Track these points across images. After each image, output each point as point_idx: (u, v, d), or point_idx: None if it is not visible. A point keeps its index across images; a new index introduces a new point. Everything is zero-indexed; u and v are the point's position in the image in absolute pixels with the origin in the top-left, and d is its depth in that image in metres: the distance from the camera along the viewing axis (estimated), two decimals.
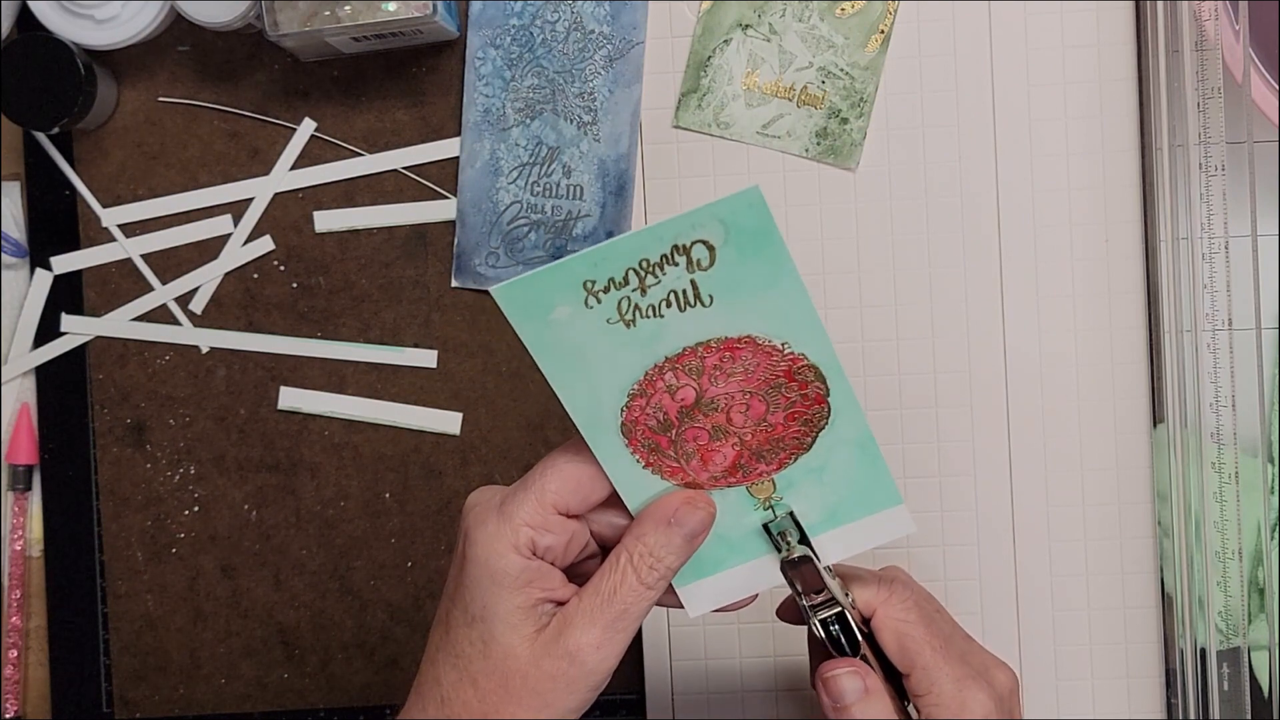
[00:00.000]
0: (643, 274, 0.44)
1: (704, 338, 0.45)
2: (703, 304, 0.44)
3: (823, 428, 0.47)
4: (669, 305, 0.44)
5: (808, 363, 0.45)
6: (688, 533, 0.46)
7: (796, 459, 0.47)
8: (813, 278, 0.62)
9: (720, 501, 0.47)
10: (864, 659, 0.48)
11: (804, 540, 0.48)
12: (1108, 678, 0.61)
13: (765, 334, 0.45)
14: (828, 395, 0.46)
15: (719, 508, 0.47)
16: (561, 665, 0.45)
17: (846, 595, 0.49)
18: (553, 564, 0.46)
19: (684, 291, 0.44)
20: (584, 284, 0.44)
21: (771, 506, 0.48)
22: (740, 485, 0.47)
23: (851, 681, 0.47)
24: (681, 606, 0.49)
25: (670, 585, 0.47)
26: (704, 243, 0.43)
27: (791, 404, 0.46)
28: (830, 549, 0.48)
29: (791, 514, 0.48)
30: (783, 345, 0.45)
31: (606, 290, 0.44)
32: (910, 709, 0.48)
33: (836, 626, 0.48)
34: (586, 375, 0.45)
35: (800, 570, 0.48)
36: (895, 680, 0.49)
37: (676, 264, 0.43)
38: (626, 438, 0.46)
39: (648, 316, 0.44)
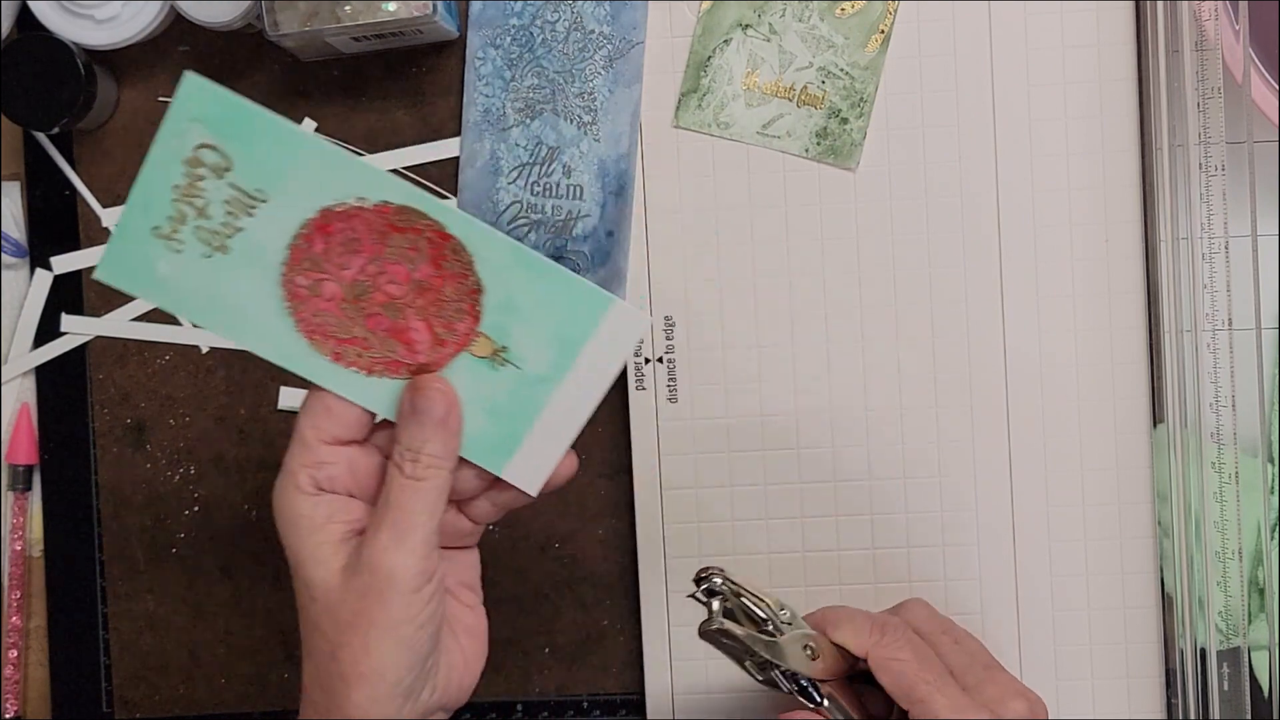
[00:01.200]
0: (189, 200, 0.44)
1: (291, 230, 0.45)
2: (261, 200, 0.44)
3: (471, 261, 0.46)
4: (237, 216, 0.45)
5: (396, 206, 0.45)
6: (431, 416, 0.46)
7: (480, 301, 0.47)
8: (813, 278, 0.62)
9: (463, 377, 0.47)
10: (833, 703, 0.49)
11: (728, 613, 0.49)
12: (1108, 678, 0.61)
13: (336, 199, 0.45)
14: (446, 229, 0.46)
15: (465, 381, 0.47)
16: (365, 579, 0.46)
17: (788, 634, 0.49)
18: (351, 495, 0.48)
19: (235, 199, 0.44)
20: (153, 232, 0.44)
21: (508, 361, 0.47)
22: (461, 352, 0.47)
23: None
24: (527, 493, 0.49)
25: (486, 477, 0.48)
26: (203, 147, 0.43)
27: (421, 253, 0.46)
28: (589, 375, 0.48)
29: (720, 575, 0.49)
30: (359, 202, 0.45)
31: (175, 231, 0.45)
32: None
33: (787, 682, 0.49)
34: (242, 313, 0.46)
35: (721, 639, 0.49)
36: None
37: (204, 177, 0.44)
38: (325, 354, 0.46)
39: (231, 235, 0.45)
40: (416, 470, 0.46)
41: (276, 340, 0.47)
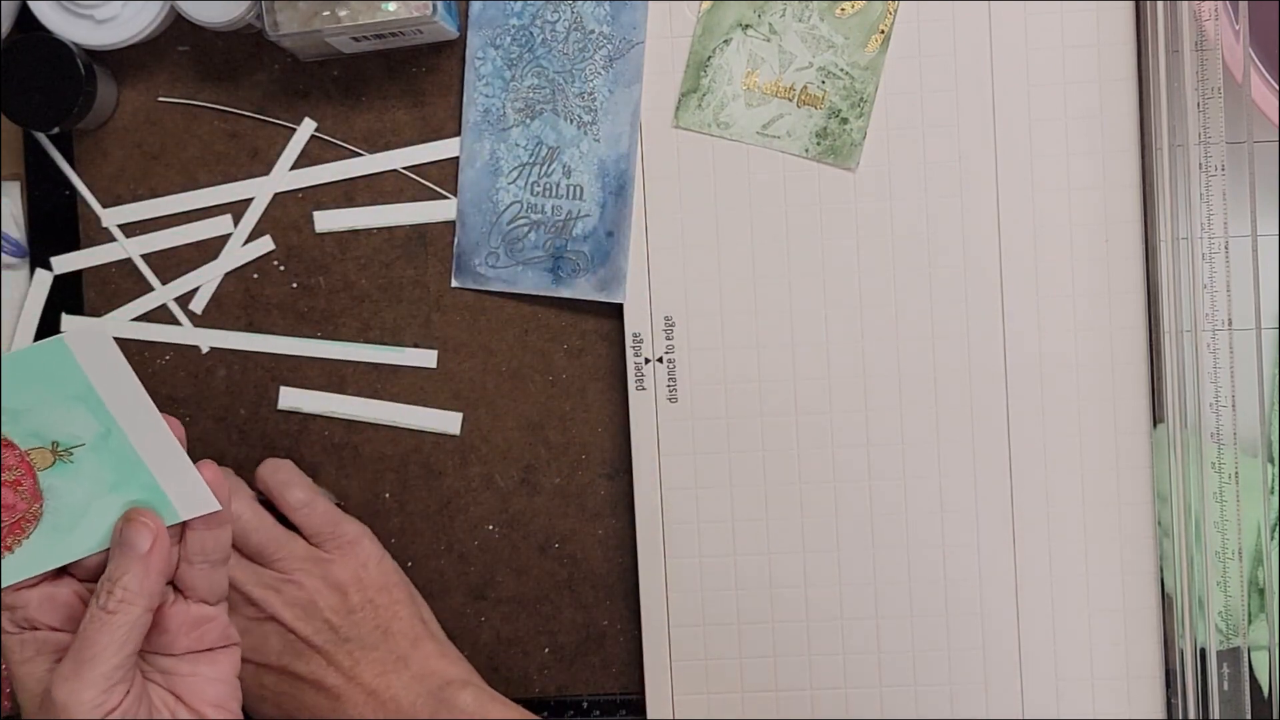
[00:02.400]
0: None
1: None
2: None
3: None
4: None
5: None
6: (134, 549, 0.48)
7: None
8: (813, 278, 0.62)
9: (60, 488, 0.49)
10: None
11: None
12: (1108, 678, 0.61)
13: None
14: None
15: (67, 489, 0.49)
16: (47, 708, 0.47)
17: None
18: (56, 629, 0.49)
19: None
20: None
21: (70, 449, 0.49)
22: (38, 474, 0.49)
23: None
24: (212, 510, 0.50)
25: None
26: None
27: None
28: (126, 399, 0.48)
29: None
30: None
31: None
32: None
33: None
34: None
35: None
36: None
37: None
38: None
39: None
40: (108, 603, 0.47)
41: None
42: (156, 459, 0.49)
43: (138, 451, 0.48)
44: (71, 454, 0.49)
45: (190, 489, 0.49)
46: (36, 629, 0.49)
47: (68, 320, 0.65)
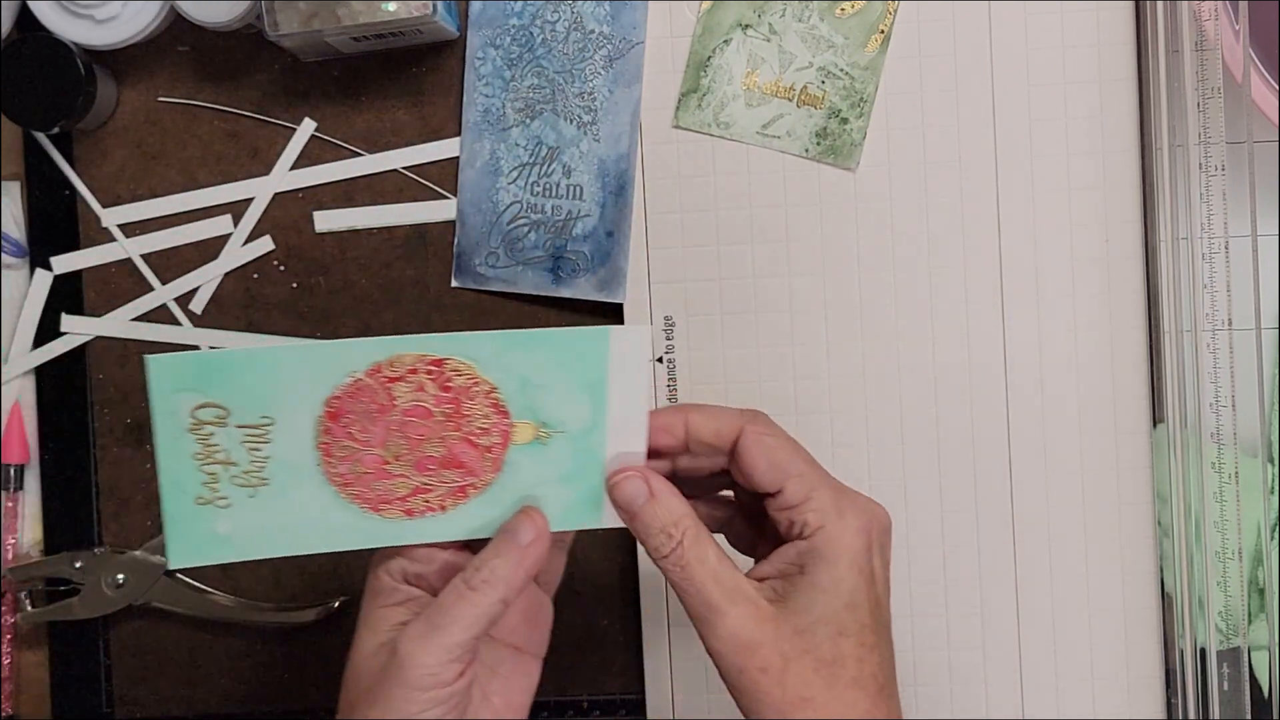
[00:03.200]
0: (210, 459, 0.47)
1: (310, 433, 0.48)
2: (269, 424, 0.47)
3: (472, 368, 0.48)
4: (258, 448, 0.48)
5: (384, 361, 0.47)
6: (515, 538, 0.48)
7: (499, 397, 0.49)
8: (813, 278, 0.62)
9: (523, 467, 0.49)
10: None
11: None
12: (1108, 678, 0.61)
13: (332, 386, 0.47)
14: (434, 355, 0.47)
15: (528, 469, 0.49)
16: (384, 658, 0.47)
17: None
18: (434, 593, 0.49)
19: (247, 436, 0.47)
20: (197, 502, 0.48)
21: (551, 432, 0.49)
22: (509, 447, 0.49)
23: (634, 485, 0.48)
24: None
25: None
26: (197, 408, 0.46)
27: (426, 389, 0.48)
28: (626, 402, 0.49)
29: None
30: (352, 376, 0.47)
31: (214, 491, 0.48)
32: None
33: None
34: (311, 524, 0.49)
35: None
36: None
37: (212, 434, 0.47)
38: (399, 515, 0.49)
39: (261, 467, 0.48)
40: (474, 580, 0.47)
41: (352, 529, 0.49)
42: (618, 462, 0.50)
43: (606, 455, 0.49)
44: (549, 437, 0.49)
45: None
46: (417, 586, 0.49)
47: (68, 321, 0.65)
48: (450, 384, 0.48)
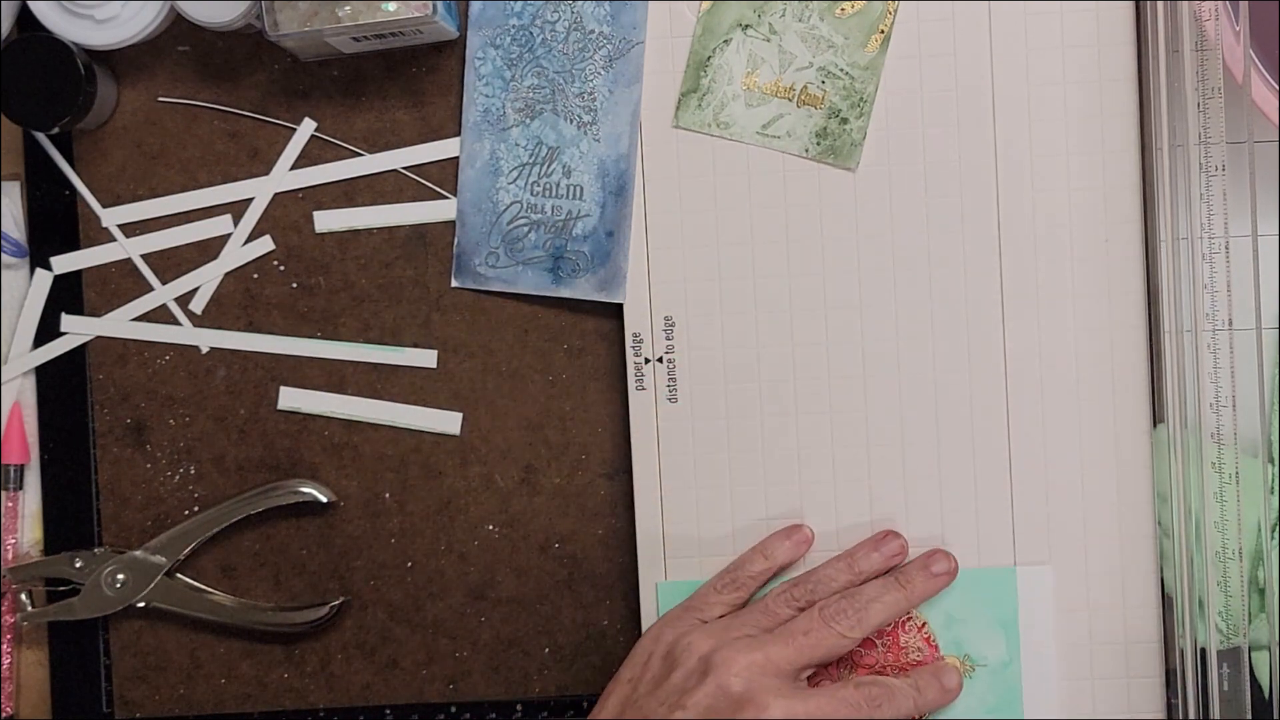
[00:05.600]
0: None
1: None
2: None
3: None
4: None
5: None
6: (944, 680, 0.56)
7: (928, 631, 0.58)
8: (813, 278, 0.62)
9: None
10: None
11: None
12: (1108, 678, 0.61)
13: None
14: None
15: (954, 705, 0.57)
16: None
17: None
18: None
19: None
20: None
21: (974, 665, 0.57)
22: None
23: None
24: None
25: None
26: None
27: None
28: (1037, 639, 0.58)
29: None
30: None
31: None
32: None
33: None
34: None
35: None
36: None
37: None
38: None
39: None
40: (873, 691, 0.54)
41: None
42: (1033, 699, 0.56)
43: (1023, 687, 0.55)
44: (971, 672, 0.56)
45: None
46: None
47: (68, 321, 0.65)
48: None
